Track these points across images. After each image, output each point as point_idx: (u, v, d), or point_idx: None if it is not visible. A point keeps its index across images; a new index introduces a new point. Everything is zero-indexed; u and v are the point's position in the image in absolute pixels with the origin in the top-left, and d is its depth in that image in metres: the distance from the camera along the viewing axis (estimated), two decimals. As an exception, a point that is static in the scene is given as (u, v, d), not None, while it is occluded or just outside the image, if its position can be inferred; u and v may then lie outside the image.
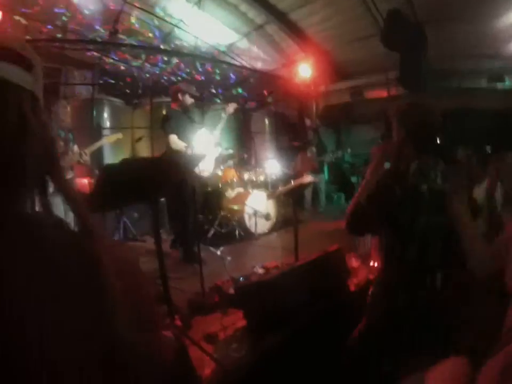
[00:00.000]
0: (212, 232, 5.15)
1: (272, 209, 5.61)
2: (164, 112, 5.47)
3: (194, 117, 4.34)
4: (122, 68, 7.20)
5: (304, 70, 6.53)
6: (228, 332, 1.91)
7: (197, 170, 4.02)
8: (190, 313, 2.24)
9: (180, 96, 4.14)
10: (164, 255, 2.29)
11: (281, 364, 1.72)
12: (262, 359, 1.70)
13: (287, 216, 6.05)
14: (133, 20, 6.16)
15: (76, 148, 3.99)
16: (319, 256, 2.66)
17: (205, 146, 4.24)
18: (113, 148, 6.38)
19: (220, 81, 8.02)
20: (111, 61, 6.86)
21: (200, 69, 7.41)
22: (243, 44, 6.93)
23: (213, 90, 8.12)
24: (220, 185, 5.76)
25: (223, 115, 4.49)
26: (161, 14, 6.18)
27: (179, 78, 7.29)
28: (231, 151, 6.28)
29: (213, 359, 1.44)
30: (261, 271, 3.38)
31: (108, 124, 6.86)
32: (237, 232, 5.16)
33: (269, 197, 5.62)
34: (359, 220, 1.63)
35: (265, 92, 8.25)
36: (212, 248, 4.38)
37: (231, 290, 2.78)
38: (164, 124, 4.09)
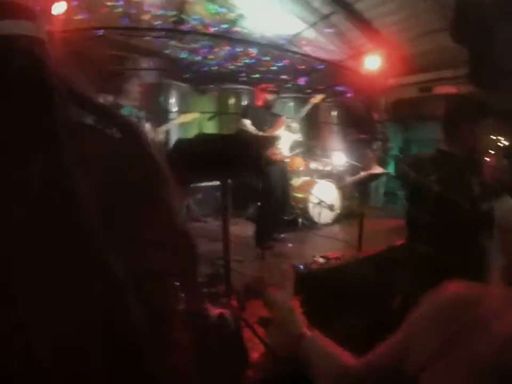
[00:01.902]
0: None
1: (337, 200, 5.39)
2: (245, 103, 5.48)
3: (275, 110, 4.40)
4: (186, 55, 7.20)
5: (372, 62, 6.13)
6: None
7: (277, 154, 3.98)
8: (246, 296, 2.17)
9: (264, 95, 4.21)
10: (229, 236, 2.22)
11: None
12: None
13: (351, 209, 5.80)
14: (197, 8, 6.15)
15: (148, 125, 3.95)
16: (385, 249, 2.47)
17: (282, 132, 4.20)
18: (181, 131, 6.38)
19: (289, 71, 7.86)
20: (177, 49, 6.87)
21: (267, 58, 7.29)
22: (309, 33, 6.69)
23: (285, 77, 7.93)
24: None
25: (308, 105, 4.42)
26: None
27: (257, 75, 7.24)
28: (300, 139, 6.15)
29: (264, 343, 1.35)
30: (321, 260, 3.22)
31: (175, 108, 6.83)
32: (300, 220, 5.02)
33: (338, 187, 5.38)
34: None
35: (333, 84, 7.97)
36: (274, 234, 4.31)
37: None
38: (242, 111, 4.24)
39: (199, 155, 1.71)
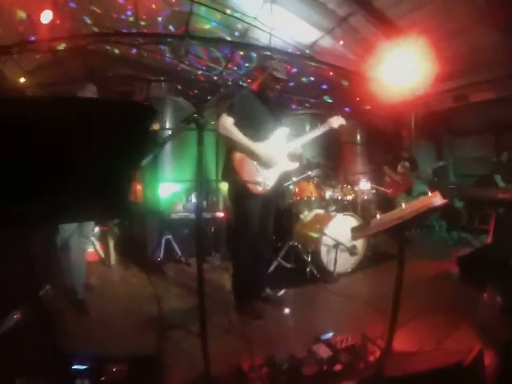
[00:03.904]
0: (274, 265, 3.89)
1: (360, 241, 4.15)
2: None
3: (272, 105, 3.12)
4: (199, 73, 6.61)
5: (399, 70, 4.92)
6: None
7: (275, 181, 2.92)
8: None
9: (264, 79, 2.98)
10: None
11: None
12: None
13: (379, 248, 4.56)
14: (203, 20, 5.39)
15: None
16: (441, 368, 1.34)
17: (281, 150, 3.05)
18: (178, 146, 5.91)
19: (305, 86, 6.87)
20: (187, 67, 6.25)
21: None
22: (326, 41, 5.66)
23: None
24: (293, 203, 4.49)
25: (323, 127, 3.25)
26: (233, 12, 5.29)
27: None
28: (313, 159, 5.00)
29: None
30: (322, 352, 2.04)
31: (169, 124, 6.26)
32: (308, 269, 3.82)
33: (364, 230, 4.11)
34: None
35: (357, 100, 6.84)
36: (268, 290, 3.17)
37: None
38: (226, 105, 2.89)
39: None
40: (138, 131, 1.01)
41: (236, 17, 5.28)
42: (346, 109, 7.19)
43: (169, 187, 5.48)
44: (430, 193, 1.68)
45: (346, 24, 5.02)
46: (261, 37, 5.68)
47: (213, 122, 2.19)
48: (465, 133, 6.31)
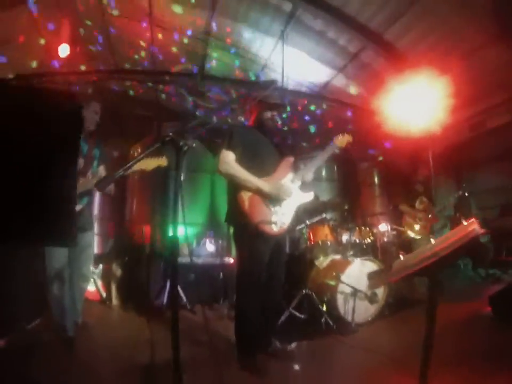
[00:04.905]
0: (285, 315, 3.50)
1: (380, 288, 3.75)
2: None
3: (272, 135, 2.92)
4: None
5: (413, 106, 4.74)
6: None
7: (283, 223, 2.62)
8: None
9: (258, 110, 2.80)
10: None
11: None
12: None
13: (402, 294, 4.15)
14: (215, 62, 5.46)
15: (101, 169, 2.99)
16: None
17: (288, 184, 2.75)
18: (192, 188, 5.78)
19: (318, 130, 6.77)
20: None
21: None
22: (339, 80, 5.60)
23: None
24: (307, 248, 4.17)
25: (330, 148, 3.00)
26: (246, 54, 5.34)
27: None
28: (328, 201, 4.74)
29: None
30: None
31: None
32: (323, 319, 3.41)
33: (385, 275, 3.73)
34: None
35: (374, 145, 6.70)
36: (278, 344, 2.79)
37: None
38: (223, 140, 2.66)
39: None
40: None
41: (250, 59, 5.34)
42: (371, 151, 7.02)
43: (177, 230, 5.29)
44: (464, 223, 1.37)
45: (357, 60, 4.94)
46: (275, 78, 5.67)
47: (194, 145, 2.03)
48: (485, 162, 5.94)
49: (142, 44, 4.92)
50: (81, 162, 2.88)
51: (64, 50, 4.17)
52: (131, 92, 5.95)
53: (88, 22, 4.45)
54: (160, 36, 4.81)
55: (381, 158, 6.78)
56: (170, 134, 1.57)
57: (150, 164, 2.88)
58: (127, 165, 1.63)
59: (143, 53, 5.12)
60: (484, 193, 5.68)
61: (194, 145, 1.84)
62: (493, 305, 3.32)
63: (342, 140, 3.03)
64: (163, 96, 6.24)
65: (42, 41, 4.20)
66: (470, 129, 5.50)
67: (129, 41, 4.90)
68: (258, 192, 2.54)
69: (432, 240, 1.60)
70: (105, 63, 5.22)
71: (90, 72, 4.99)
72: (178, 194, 1.49)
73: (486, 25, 3.77)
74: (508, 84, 4.48)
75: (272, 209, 2.59)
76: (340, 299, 3.48)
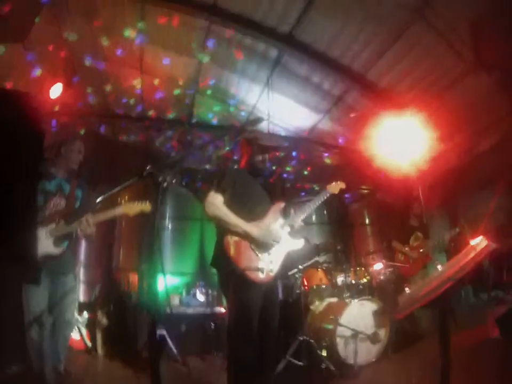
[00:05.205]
0: (283, 364, 3.26)
1: (382, 325, 3.57)
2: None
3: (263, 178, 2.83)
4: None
5: (399, 145, 4.81)
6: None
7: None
8: None
9: (250, 153, 2.72)
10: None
11: None
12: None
13: (405, 330, 3.96)
14: (205, 110, 5.58)
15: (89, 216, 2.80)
16: None
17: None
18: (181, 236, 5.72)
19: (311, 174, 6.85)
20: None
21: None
22: (325, 124, 5.73)
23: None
24: (301, 293, 4.00)
25: (322, 195, 2.96)
26: (233, 103, 5.48)
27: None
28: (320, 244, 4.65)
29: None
30: None
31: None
32: (323, 365, 3.19)
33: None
34: None
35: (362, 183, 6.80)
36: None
37: None
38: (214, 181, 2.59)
39: None
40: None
41: (234, 107, 5.48)
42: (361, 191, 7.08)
43: (166, 279, 5.10)
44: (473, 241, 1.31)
45: (342, 103, 5.09)
46: (261, 125, 5.77)
47: (174, 181, 1.93)
48: (476, 186, 5.91)
49: (132, 89, 5.01)
50: (62, 202, 2.77)
51: (56, 90, 4.06)
52: (123, 138, 5.97)
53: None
54: (149, 82, 4.93)
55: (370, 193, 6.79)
56: (148, 168, 1.51)
57: (132, 208, 2.79)
58: (98, 199, 1.56)
59: (132, 100, 5.21)
60: (479, 218, 5.61)
61: (174, 181, 1.78)
62: (501, 327, 3.18)
63: (335, 187, 3.05)
64: (156, 142, 6.27)
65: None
66: (457, 156, 5.53)
67: (121, 88, 5.00)
68: (245, 236, 2.42)
69: (439, 267, 1.50)
70: (96, 107, 5.27)
71: (82, 115, 5.03)
72: (157, 235, 1.40)
73: (465, 52, 3.89)
74: (494, 107, 4.56)
75: (259, 255, 2.44)
76: (340, 343, 3.31)
